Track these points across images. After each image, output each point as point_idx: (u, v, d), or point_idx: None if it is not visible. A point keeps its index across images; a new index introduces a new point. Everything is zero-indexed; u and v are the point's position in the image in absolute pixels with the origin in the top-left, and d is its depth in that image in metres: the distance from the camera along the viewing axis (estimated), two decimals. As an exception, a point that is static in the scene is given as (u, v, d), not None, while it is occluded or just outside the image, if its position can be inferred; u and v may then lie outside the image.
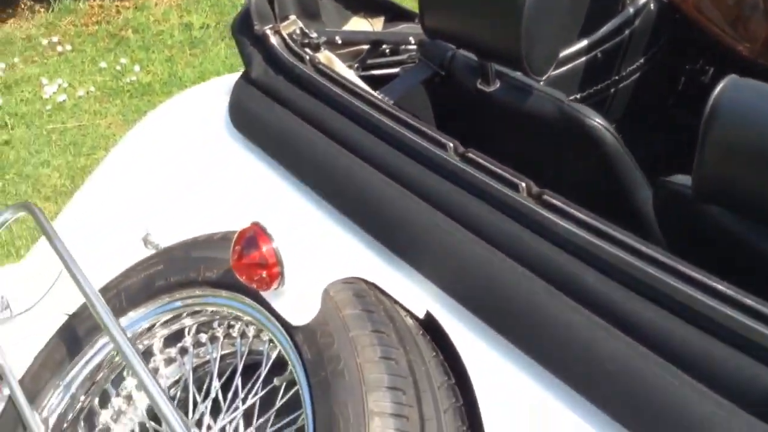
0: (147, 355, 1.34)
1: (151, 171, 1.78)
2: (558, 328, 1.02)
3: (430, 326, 1.16)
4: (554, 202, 1.11)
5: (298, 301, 1.05)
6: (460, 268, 1.16)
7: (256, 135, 1.61)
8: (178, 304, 1.22)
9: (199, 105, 1.90)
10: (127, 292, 1.24)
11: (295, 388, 1.16)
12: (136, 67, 4.39)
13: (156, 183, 1.74)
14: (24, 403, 1.19)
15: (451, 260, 1.18)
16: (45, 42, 4.64)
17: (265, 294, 1.06)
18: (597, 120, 1.48)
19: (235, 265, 1.03)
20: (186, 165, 1.72)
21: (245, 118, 1.65)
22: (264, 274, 1.00)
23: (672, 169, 1.32)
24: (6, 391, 1.44)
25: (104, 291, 1.27)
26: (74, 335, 1.29)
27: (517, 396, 1.06)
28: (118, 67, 4.40)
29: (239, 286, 1.15)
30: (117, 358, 1.28)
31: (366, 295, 1.07)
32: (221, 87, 1.92)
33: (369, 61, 1.95)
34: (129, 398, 1.32)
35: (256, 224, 1.02)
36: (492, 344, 1.11)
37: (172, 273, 1.23)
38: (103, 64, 4.39)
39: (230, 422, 1.20)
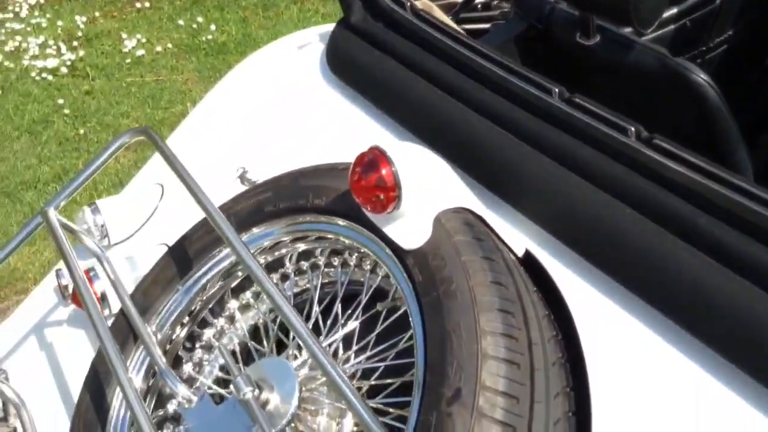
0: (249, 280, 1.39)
1: (248, 113, 1.83)
2: (669, 270, 1.03)
3: (528, 265, 1.18)
4: (665, 145, 1.12)
5: (410, 226, 1.08)
6: (566, 209, 1.18)
7: (353, 79, 1.65)
8: (287, 229, 1.26)
9: (295, 51, 1.94)
10: (236, 217, 1.29)
11: (396, 315, 1.20)
12: (212, 26, 4.47)
13: (253, 124, 1.79)
14: (136, 316, 1.26)
15: (556, 202, 1.20)
16: (126, -3, 4.76)
17: (377, 217, 1.10)
18: (701, 75, 1.47)
19: (354, 186, 1.07)
20: (282, 107, 1.76)
21: (343, 63, 1.69)
22: (381, 196, 1.04)
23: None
24: (114, 308, 1.52)
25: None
26: (185, 256, 1.35)
27: (621, 333, 1.08)
28: (195, 26, 4.49)
29: (348, 213, 1.20)
30: (225, 280, 1.34)
31: (475, 224, 1.10)
32: (314, 35, 1.97)
33: (461, 15, 1.96)
34: (231, 318, 1.38)
35: (376, 148, 1.05)
36: (596, 283, 1.13)
37: (281, 199, 1.28)
38: (180, 22, 4.48)
39: (329, 345, 1.25)
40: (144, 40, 4.31)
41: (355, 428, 1.17)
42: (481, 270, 1.02)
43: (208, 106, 1.96)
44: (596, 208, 1.15)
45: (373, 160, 1.04)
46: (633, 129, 1.18)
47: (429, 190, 1.08)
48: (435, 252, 1.06)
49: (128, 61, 4.12)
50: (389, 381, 1.14)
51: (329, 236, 1.25)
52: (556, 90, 1.30)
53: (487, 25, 1.98)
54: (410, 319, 1.07)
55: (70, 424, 1.28)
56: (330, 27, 1.98)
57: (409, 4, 1.60)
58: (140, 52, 4.19)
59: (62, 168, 3.27)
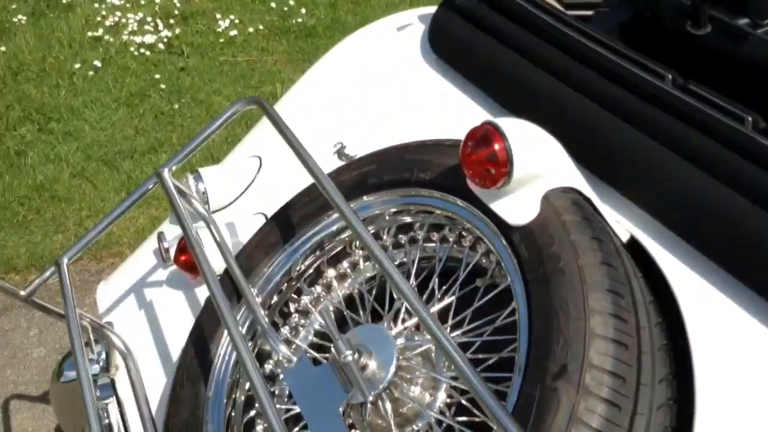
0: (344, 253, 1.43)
1: (348, 90, 1.86)
2: None
3: (633, 250, 1.17)
4: None
5: (518, 202, 1.09)
6: (675, 196, 1.17)
7: (456, 59, 1.66)
8: (392, 201, 1.28)
9: (394, 32, 1.96)
10: (340, 187, 1.32)
11: (494, 292, 1.21)
12: (302, 10, 4.54)
13: (352, 101, 1.82)
14: (240, 277, 1.30)
15: (665, 188, 1.18)
16: (220, -21, 4.87)
17: (484, 192, 1.11)
18: None
19: (465, 160, 1.09)
20: (383, 86, 1.79)
21: (446, 43, 1.70)
22: (492, 171, 1.05)
23: None
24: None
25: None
26: (288, 223, 1.39)
27: (728, 322, 1.06)
28: (286, 9, 4.57)
29: (453, 188, 1.21)
30: (325, 249, 1.37)
31: (584, 205, 1.10)
32: (413, 17, 1.99)
33: (566, 1, 1.94)
34: (328, 287, 1.42)
35: (490, 123, 1.06)
36: (704, 273, 1.11)
37: (385, 172, 1.30)
38: (272, 5, 4.56)
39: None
40: (237, 21, 4.41)
41: (447, 400, 1.19)
42: (591, 250, 1.02)
43: (308, 83, 2.00)
44: (708, 196, 1.13)
45: (487, 134, 1.05)
46: (750, 118, 1.15)
47: (539, 168, 1.08)
48: (543, 229, 1.06)
49: (221, 40, 4.22)
50: (486, 356, 1.16)
51: (431, 210, 1.27)
52: (669, 76, 1.28)
53: (590, 12, 1.96)
54: (513, 295, 1.08)
55: (174, 374, 1.34)
56: (427, 10, 1.99)
57: (515, -14, 1.60)
58: (233, 32, 4.29)
59: (157, 140, 3.39)
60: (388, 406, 1.16)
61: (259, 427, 1.33)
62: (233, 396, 1.30)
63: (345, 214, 1.15)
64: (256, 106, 1.43)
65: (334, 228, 1.37)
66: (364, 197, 1.31)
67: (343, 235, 1.38)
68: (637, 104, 1.29)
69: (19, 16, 4.32)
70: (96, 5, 4.46)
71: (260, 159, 1.94)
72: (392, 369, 1.14)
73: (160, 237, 1.81)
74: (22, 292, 1.47)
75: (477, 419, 1.12)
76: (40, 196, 3.04)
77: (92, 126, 3.48)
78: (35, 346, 2.43)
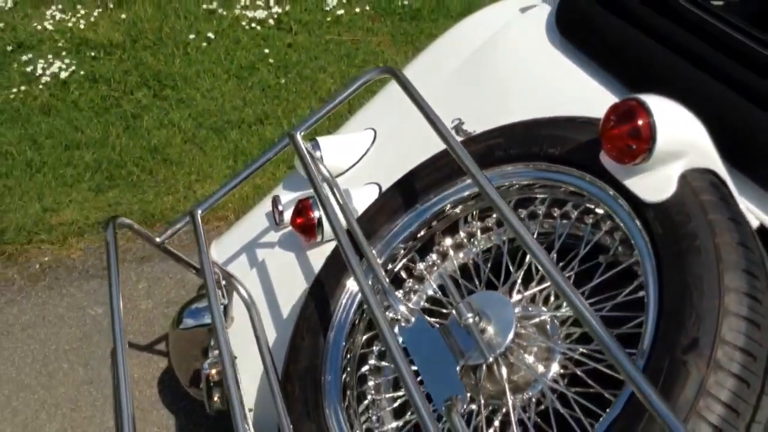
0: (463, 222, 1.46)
1: (468, 67, 1.89)
2: None
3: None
4: None
5: (654, 180, 1.09)
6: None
7: (584, 41, 1.66)
8: (517, 176, 1.31)
9: (517, 13, 1.97)
10: (467, 158, 1.35)
11: (616, 269, 1.22)
12: (409, -8, 4.58)
13: (472, 78, 1.85)
14: (362, 238, 1.35)
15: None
16: (330, -41, 4.96)
17: (619, 168, 1.12)
18: None
19: (606, 134, 1.10)
20: (504, 64, 1.81)
21: (575, 25, 1.70)
22: (633, 146, 1.06)
23: None
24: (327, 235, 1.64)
25: (446, 152, 1.40)
26: (411, 190, 1.44)
27: None
28: (393, -9, 4.61)
29: (584, 163, 1.22)
30: (446, 215, 1.41)
31: (721, 186, 1.10)
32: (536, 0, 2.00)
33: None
34: (444, 255, 1.45)
35: (635, 98, 1.07)
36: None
37: (513, 145, 1.33)
38: (380, -14, 4.62)
39: (540, 292, 1.29)
40: (344, 1, 4.48)
41: (561, 371, 1.21)
42: (728, 230, 1.02)
43: (428, 59, 2.04)
44: None
45: (631, 109, 1.06)
46: None
47: (680, 147, 1.08)
48: (679, 208, 1.06)
49: (328, 19, 4.30)
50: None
51: (556, 186, 1.29)
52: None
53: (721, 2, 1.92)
54: (643, 271, 1.09)
55: (295, 325, 1.40)
56: (546, -9, 2.00)
57: (649, -29, 1.59)
58: (340, 11, 4.36)
59: (263, 113, 3.49)
60: (504, 370, 1.19)
61: (371, 382, 1.38)
62: (350, 349, 1.36)
63: (479, 181, 1.18)
64: (389, 74, 1.48)
65: (456, 198, 1.40)
66: (491, 169, 1.34)
67: (462, 206, 1.42)
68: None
69: (140, -14, 4.51)
70: (212, -22, 4.62)
71: (375, 131, 2.00)
72: (511, 334, 1.17)
73: (275, 200, 1.89)
74: (158, 239, 1.56)
75: (591, 390, 1.14)
76: (153, 158, 3.19)
77: (203, 95, 3.61)
78: (143, 298, 2.56)
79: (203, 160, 3.19)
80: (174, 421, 2.14)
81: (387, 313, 1.27)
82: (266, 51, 3.95)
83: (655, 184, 1.09)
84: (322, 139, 1.94)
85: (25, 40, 4.04)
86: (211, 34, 4.07)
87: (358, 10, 4.41)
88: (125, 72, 3.76)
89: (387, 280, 1.32)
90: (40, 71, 3.73)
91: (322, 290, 1.41)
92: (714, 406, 0.91)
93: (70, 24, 4.16)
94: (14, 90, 3.63)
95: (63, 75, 3.70)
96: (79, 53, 3.93)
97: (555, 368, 1.21)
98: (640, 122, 1.05)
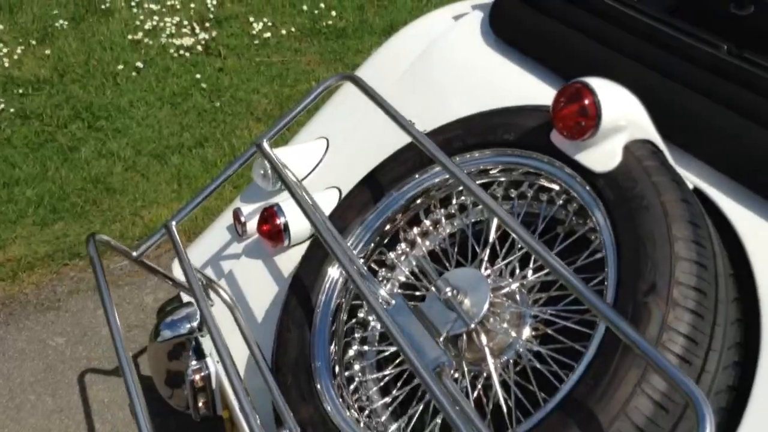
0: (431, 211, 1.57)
1: (410, 73, 2.01)
2: None
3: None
4: None
5: (602, 152, 1.23)
6: (736, 149, 1.31)
7: (518, 40, 1.81)
8: (479, 162, 1.43)
9: (451, 21, 2.12)
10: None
11: (572, 238, 1.35)
12: (332, 13, 4.71)
13: (416, 82, 1.97)
14: (335, 233, 1.44)
15: (725, 142, 1.33)
16: (250, -15, 5.05)
17: (570, 144, 1.26)
18: None
19: (557, 114, 1.23)
20: (445, 66, 1.94)
21: (508, 26, 1.85)
22: (582, 123, 1.20)
23: None
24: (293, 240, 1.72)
25: (407, 148, 1.51)
26: (377, 185, 1.54)
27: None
28: (316, 12, 4.73)
29: (536, 145, 1.36)
30: (412, 206, 1.52)
31: (660, 153, 1.25)
32: (466, 8, 2.15)
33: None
34: (412, 243, 1.56)
35: (580, 81, 1.21)
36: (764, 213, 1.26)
37: (470, 136, 1.45)
38: (303, 8, 4.73)
39: (506, 265, 1.42)
40: (269, 24, 4.57)
41: (533, 333, 1.33)
42: (671, 189, 1.17)
43: (370, 70, 2.15)
44: (763, 144, 1.28)
45: (578, 91, 1.20)
46: None
47: (622, 121, 1.22)
48: (626, 174, 1.21)
49: (256, 42, 4.39)
50: (567, 293, 1.30)
51: (514, 168, 1.41)
52: (725, 46, 1.43)
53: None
54: (599, 233, 1.22)
55: (279, 321, 1.48)
56: (473, 1, 2.16)
57: (572, -28, 1.76)
58: (266, 34, 4.45)
59: (202, 136, 3.54)
60: (483, 337, 1.30)
61: (357, 366, 1.47)
62: (334, 336, 1.45)
63: (448, 167, 1.29)
64: (349, 80, 1.58)
65: (420, 189, 1.52)
66: (455, 158, 1.46)
67: (425, 197, 1.53)
68: (694, 71, 1.44)
69: (61, 21, 4.48)
70: (134, 10, 4.63)
71: (327, 140, 2.09)
72: (487, 303, 1.28)
73: (237, 213, 1.96)
74: (134, 253, 1.62)
75: (563, 346, 1.26)
76: (95, 188, 3.19)
77: (139, 123, 3.63)
78: (103, 325, 2.56)
79: (147, 187, 3.21)
80: (150, 439, 2.16)
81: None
82: (197, 76, 4.00)
83: (602, 156, 1.23)
84: (277, 151, 2.02)
85: (-53, 81, 3.98)
86: (139, 64, 4.09)
87: (284, 32, 4.52)
88: (56, 106, 3.74)
89: (365, 267, 1.41)
90: (-33, 111, 3.68)
91: (302, 284, 1.49)
92: (676, 339, 1.05)
93: (-7, 62, 4.11)
94: (-58, 132, 3.57)
95: (-8, 113, 3.66)
96: (6, 91, 3.88)
97: (528, 331, 1.33)
98: (586, 102, 1.19)
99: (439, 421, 1.32)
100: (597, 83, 1.21)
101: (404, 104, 1.93)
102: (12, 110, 3.69)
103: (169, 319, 1.83)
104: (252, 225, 1.95)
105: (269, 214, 1.82)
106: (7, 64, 4.07)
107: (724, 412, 1.11)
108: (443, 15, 2.17)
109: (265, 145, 1.59)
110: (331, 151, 2.07)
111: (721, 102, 1.37)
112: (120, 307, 2.63)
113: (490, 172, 1.46)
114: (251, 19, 4.61)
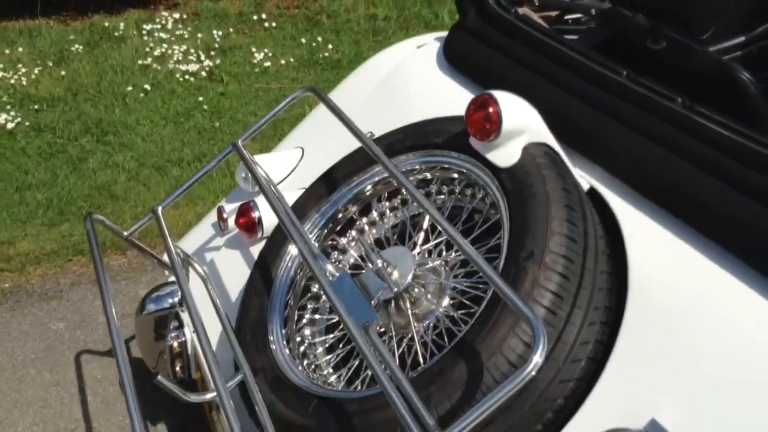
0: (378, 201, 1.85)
1: (376, 94, 2.31)
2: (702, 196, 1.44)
3: (592, 195, 1.60)
4: (703, 111, 1.53)
5: (505, 151, 1.52)
6: (626, 156, 1.60)
7: (466, 67, 2.11)
8: (413, 161, 1.71)
9: (414, 49, 2.43)
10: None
11: (488, 224, 1.63)
12: (329, 46, 5.06)
13: (380, 102, 2.27)
14: (294, 218, 1.72)
15: (618, 151, 1.62)
16: (255, 18, 5.41)
17: (481, 144, 1.54)
18: (744, 74, 1.86)
19: (469, 120, 1.52)
20: (407, 89, 2.24)
21: (458, 56, 2.15)
22: (487, 126, 1.48)
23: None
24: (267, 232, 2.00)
25: (359, 150, 1.79)
26: (332, 181, 1.82)
27: (662, 243, 1.48)
28: (314, 44, 5.08)
29: (459, 147, 1.64)
30: (360, 201, 1.80)
31: (552, 154, 1.53)
32: (429, 39, 2.46)
33: (554, 27, 2.40)
34: (361, 231, 1.84)
35: (487, 93, 1.50)
36: (643, 208, 1.53)
37: (408, 139, 1.74)
38: (302, 41, 5.08)
39: (435, 246, 1.69)
40: (270, 54, 4.92)
41: (451, 301, 1.60)
42: (554, 180, 1.45)
43: (344, 90, 2.46)
44: (648, 154, 1.56)
45: (485, 101, 1.48)
46: (679, 99, 1.59)
47: (520, 126, 1.51)
48: (522, 169, 1.49)
49: (256, 70, 4.72)
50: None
51: (443, 165, 1.70)
52: (624, 72, 1.72)
53: (575, 36, 2.41)
54: (501, 215, 1.50)
55: (244, 290, 1.75)
56: (438, 34, 2.47)
57: (514, 11, 2.06)
58: (267, 63, 4.79)
59: (201, 152, 3.85)
60: (408, 304, 1.57)
61: (307, 330, 1.74)
62: (288, 304, 1.72)
63: (387, 166, 1.57)
64: (311, 93, 1.88)
65: (368, 184, 1.80)
66: (394, 158, 1.74)
67: (373, 189, 1.81)
68: (602, 94, 1.73)
69: (76, 46, 4.84)
70: (145, 38, 4.99)
71: (302, 149, 2.39)
72: (411, 273, 1.55)
73: (220, 210, 2.25)
74: (125, 233, 1.90)
75: (473, 310, 1.53)
76: (100, 194, 3.49)
77: (144, 139, 3.95)
78: (101, 313, 2.84)
79: (147, 195, 3.51)
80: (136, 411, 2.42)
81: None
82: (200, 99, 4.33)
83: (505, 154, 1.51)
84: (258, 157, 2.32)
85: (-31, 96, 4.31)
86: (147, 86, 4.43)
87: (283, 62, 4.86)
88: (68, 122, 4.06)
89: (317, 247, 1.69)
90: (-13, 123, 4.01)
91: (265, 262, 1.77)
92: (545, 294, 1.31)
93: (12, 81, 4.44)
94: (-37, 141, 3.89)
95: (9, 126, 3.98)
96: (23, 107, 4.21)
97: (447, 300, 1.60)
98: (491, 110, 1.47)
99: (370, 373, 1.58)
100: (500, 95, 1.50)
101: (369, 118, 2.24)
102: (27, 123, 4.01)
103: (154, 295, 2.11)
104: (233, 221, 2.24)
105: (246, 209, 2.10)
106: (24, 83, 4.41)
107: (591, 361, 1.38)
108: (408, 45, 2.49)
109: (240, 143, 1.88)
110: (305, 159, 2.37)
111: (617, 119, 1.66)
112: (116, 298, 2.91)
113: (422, 169, 1.74)
114: (253, 49, 4.96)
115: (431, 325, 1.58)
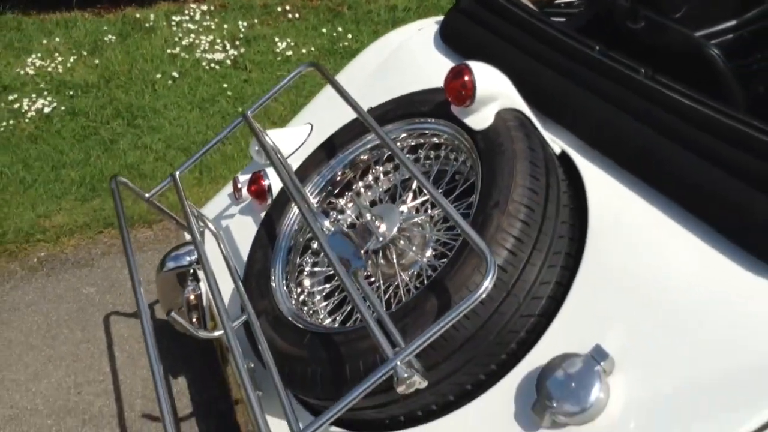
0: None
1: (380, 71, 2.50)
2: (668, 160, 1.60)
3: (563, 159, 1.77)
4: (663, 80, 1.69)
5: (480, 115, 1.69)
6: (594, 123, 1.76)
7: (460, 47, 2.28)
8: (404, 128, 1.89)
9: (416, 32, 2.61)
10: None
11: (467, 183, 1.80)
12: (349, 35, 5.25)
13: (383, 79, 2.45)
14: (297, 183, 1.91)
15: (588, 118, 1.78)
16: (279, 9, 5.63)
17: (459, 110, 1.71)
18: (714, 50, 2.00)
19: (447, 87, 1.69)
20: (407, 67, 2.42)
21: (453, 36, 2.33)
22: (463, 93, 1.66)
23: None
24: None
25: (354, 120, 1.98)
26: (331, 147, 2.01)
27: (620, 197, 1.64)
28: (334, 34, 5.28)
29: (441, 113, 1.82)
30: (355, 165, 1.98)
31: (523, 118, 1.70)
32: (430, 22, 2.64)
33: (547, 10, 2.56)
34: (358, 193, 2.02)
35: (463, 63, 1.67)
36: (610, 171, 1.70)
37: (399, 109, 1.92)
38: (323, 30, 5.28)
39: (422, 204, 1.87)
40: (292, 44, 5.12)
41: (434, 253, 1.78)
42: (522, 140, 1.62)
43: (352, 69, 2.65)
44: (617, 122, 1.72)
45: (461, 70, 1.66)
46: (643, 70, 1.75)
47: (493, 93, 1.68)
48: (494, 130, 1.66)
49: (279, 59, 4.93)
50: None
51: (428, 132, 1.87)
52: (597, 47, 1.88)
53: (563, 19, 2.57)
54: (475, 172, 1.68)
55: (251, 245, 1.95)
56: (439, 18, 2.66)
57: (506, -6, 2.23)
58: (289, 53, 5.00)
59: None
60: (394, 255, 1.75)
61: (307, 281, 1.93)
62: (289, 258, 1.91)
63: (378, 132, 1.75)
64: (314, 68, 2.07)
65: (363, 150, 1.98)
66: (387, 126, 1.92)
67: (368, 155, 1.99)
68: (573, 66, 1.89)
69: (110, 36, 5.10)
70: (174, 29, 5.23)
71: (311, 125, 2.59)
72: (397, 227, 1.74)
73: (235, 180, 2.46)
74: (147, 195, 2.11)
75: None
76: (129, 173, 3.73)
77: (171, 123, 4.18)
78: (128, 279, 3.07)
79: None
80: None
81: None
82: (225, 86, 4.55)
83: (480, 118, 1.68)
84: (270, 131, 2.52)
85: (10, 83, 4.58)
86: (175, 74, 4.66)
87: (304, 51, 5.06)
88: (101, 107, 4.31)
89: (315, 205, 1.89)
90: (26, 108, 4.27)
91: (270, 220, 1.97)
92: (507, 238, 1.48)
93: (49, 69, 4.71)
94: (3, 123, 4.15)
95: (46, 110, 4.24)
96: (59, 93, 4.47)
97: (429, 251, 1.78)
98: (466, 78, 1.65)
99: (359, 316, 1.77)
100: (475, 65, 1.67)
101: (372, 95, 2.42)
102: (63, 108, 4.27)
103: (173, 254, 2.33)
104: (245, 190, 2.44)
105: (257, 177, 2.31)
106: (60, 71, 4.68)
107: (551, 299, 1.55)
108: (410, 28, 2.67)
109: (249, 114, 2.08)
110: (314, 134, 2.56)
111: (588, 88, 1.82)
112: (143, 267, 3.13)
113: (411, 136, 1.92)
114: (276, 39, 5.17)
115: (415, 273, 1.76)
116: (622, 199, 1.64)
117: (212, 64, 4.80)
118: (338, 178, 2.01)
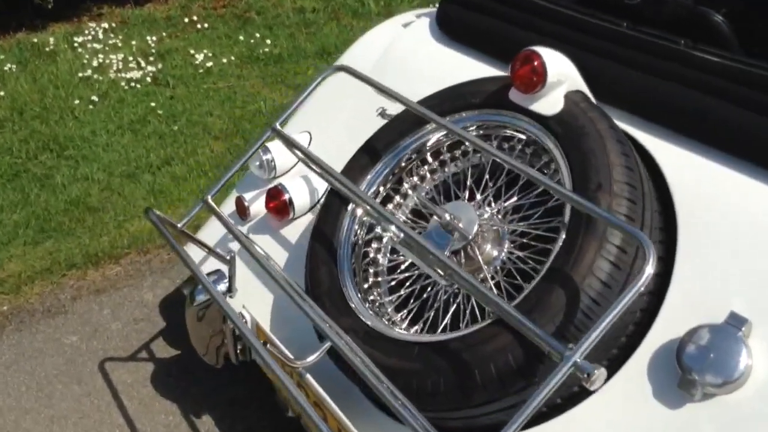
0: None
1: (375, 71, 2.43)
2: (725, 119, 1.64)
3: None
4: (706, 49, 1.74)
5: (549, 100, 1.68)
6: (639, 95, 1.78)
7: (461, 35, 2.26)
8: (457, 122, 1.85)
9: (401, 28, 2.56)
10: (412, 118, 1.87)
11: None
12: (267, 41, 5.10)
13: (385, 77, 2.38)
14: (349, 184, 1.81)
15: (632, 90, 1.80)
16: (185, 21, 5.38)
17: (525, 98, 1.69)
18: (718, 17, 2.08)
19: (515, 74, 1.67)
20: (408, 62, 2.37)
21: (451, 24, 2.30)
22: (534, 79, 1.63)
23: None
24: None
25: (397, 118, 1.91)
26: (378, 145, 1.93)
27: (702, 171, 1.67)
28: (252, 41, 5.11)
29: (499, 104, 1.79)
30: (411, 158, 1.91)
31: (589, 99, 1.70)
32: (410, 17, 2.61)
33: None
34: (414, 187, 1.95)
35: (530, 49, 1.65)
36: (672, 140, 1.73)
37: (445, 102, 1.87)
38: (240, 38, 5.10)
39: (484, 199, 1.84)
40: (210, 54, 4.92)
41: (513, 244, 1.75)
42: (602, 120, 1.62)
43: (353, 53, 2.56)
44: (669, 89, 1.75)
45: (529, 56, 1.64)
46: (682, 41, 1.79)
47: (562, 76, 1.67)
48: (569, 114, 1.65)
49: (200, 71, 4.72)
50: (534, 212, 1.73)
51: (480, 123, 1.84)
52: (624, 23, 1.91)
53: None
54: (553, 158, 1.66)
55: (307, 261, 1.84)
56: (419, 11, 2.62)
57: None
58: (209, 63, 4.79)
59: (167, 156, 3.84)
60: (477, 250, 1.71)
61: (377, 291, 1.85)
62: (354, 268, 1.82)
63: (446, 125, 1.70)
64: (344, 71, 1.98)
65: (414, 146, 1.92)
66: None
67: (420, 152, 1.93)
68: (598, 42, 1.91)
69: (9, 65, 4.70)
70: (79, 50, 4.89)
71: (310, 134, 2.48)
72: (477, 222, 1.69)
73: (240, 200, 2.32)
74: (179, 225, 1.95)
75: (533, 249, 1.68)
76: (77, 208, 3.45)
77: (105, 149, 3.90)
78: (112, 321, 2.84)
79: (125, 203, 3.49)
80: (177, 406, 2.46)
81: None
82: (152, 104, 4.30)
83: (549, 103, 1.67)
84: (270, 144, 2.40)
85: None
86: (94, 97, 4.36)
87: (225, 60, 4.87)
88: (22, 141, 3.97)
89: (380, 207, 1.81)
90: (-65, 151, 3.86)
91: (322, 233, 1.86)
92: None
93: (-52, 107, 4.28)
94: None
95: (-40, 152, 3.85)
96: (-33, 131, 4.07)
97: (507, 244, 1.75)
98: (536, 63, 1.63)
99: (447, 321, 1.71)
100: (542, 50, 1.66)
101: (374, 96, 2.35)
102: (-20, 147, 3.89)
103: (200, 286, 2.16)
104: (254, 208, 2.31)
105: (275, 193, 2.19)
106: (-36, 107, 4.26)
107: (656, 276, 1.55)
108: (391, 26, 2.62)
109: (278, 125, 1.96)
110: (314, 142, 2.46)
111: (623, 63, 1.85)
112: (122, 306, 2.91)
113: (469, 128, 1.88)
114: (191, 51, 4.94)
115: (499, 267, 1.72)
116: (696, 166, 1.68)
117: (132, 83, 4.53)
118: (395, 171, 1.93)
